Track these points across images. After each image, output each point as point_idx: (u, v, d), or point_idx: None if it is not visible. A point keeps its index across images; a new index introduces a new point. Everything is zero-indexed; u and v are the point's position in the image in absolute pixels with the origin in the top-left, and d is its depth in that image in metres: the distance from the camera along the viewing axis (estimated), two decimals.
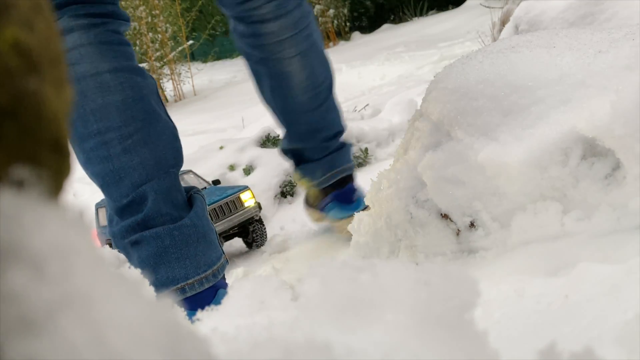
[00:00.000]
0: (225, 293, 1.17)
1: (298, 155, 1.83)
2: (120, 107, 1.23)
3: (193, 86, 7.79)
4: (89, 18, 1.24)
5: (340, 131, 1.76)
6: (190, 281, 1.23)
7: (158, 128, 1.27)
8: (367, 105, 3.71)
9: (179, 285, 1.23)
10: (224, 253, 1.36)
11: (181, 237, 1.24)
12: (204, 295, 1.24)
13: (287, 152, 1.88)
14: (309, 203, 1.99)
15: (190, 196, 1.33)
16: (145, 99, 1.27)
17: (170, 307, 0.33)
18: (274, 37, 1.53)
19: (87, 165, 1.27)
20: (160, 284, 1.21)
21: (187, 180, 2.36)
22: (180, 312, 0.33)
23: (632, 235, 0.83)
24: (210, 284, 1.26)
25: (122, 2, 7.05)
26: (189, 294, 1.22)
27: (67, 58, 1.06)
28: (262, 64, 1.61)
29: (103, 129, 1.22)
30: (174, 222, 1.24)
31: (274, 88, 1.65)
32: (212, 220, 2.04)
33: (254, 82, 1.73)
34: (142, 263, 1.22)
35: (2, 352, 0.23)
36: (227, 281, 1.39)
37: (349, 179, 1.84)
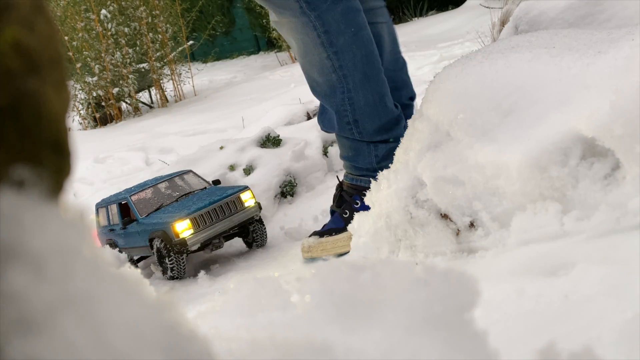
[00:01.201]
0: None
1: None
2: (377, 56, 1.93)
3: (193, 86, 7.78)
4: None
5: (414, 96, 2.23)
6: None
7: None
8: None
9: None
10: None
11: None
12: None
13: None
14: None
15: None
16: None
17: (170, 307, 0.33)
18: (370, 4, 2.08)
19: (366, 86, 1.89)
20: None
21: (187, 180, 2.36)
22: (181, 312, 0.33)
23: (632, 235, 0.83)
24: None
25: (122, 3, 7.05)
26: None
27: (359, 20, 1.88)
28: None
29: (377, 71, 1.91)
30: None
31: None
32: (212, 220, 2.06)
33: None
34: (384, 156, 1.91)
35: (2, 352, 0.23)
36: (230, 282, 1.57)
37: None
